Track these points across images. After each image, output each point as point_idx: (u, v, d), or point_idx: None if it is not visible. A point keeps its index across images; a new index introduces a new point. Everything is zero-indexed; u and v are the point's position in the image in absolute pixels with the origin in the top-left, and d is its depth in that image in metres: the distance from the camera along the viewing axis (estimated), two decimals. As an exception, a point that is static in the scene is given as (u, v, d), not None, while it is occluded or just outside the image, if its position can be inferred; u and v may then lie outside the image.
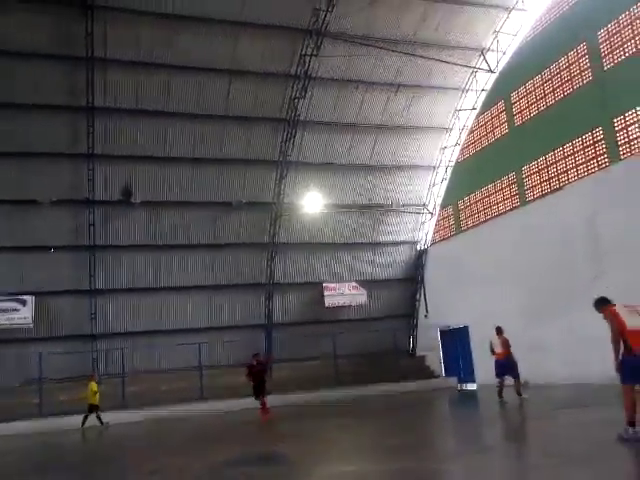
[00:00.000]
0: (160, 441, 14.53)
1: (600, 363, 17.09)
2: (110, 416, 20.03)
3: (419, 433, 12.10)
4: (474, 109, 25.89)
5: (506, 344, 15.96)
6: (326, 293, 27.56)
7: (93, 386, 19.52)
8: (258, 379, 17.22)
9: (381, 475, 7.45)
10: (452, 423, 14.93)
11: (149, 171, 24.29)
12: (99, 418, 19.47)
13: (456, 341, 26.23)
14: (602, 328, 14.99)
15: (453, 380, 26.18)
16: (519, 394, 15.37)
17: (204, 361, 24.49)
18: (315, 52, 22.71)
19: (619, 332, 7.83)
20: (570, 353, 18.72)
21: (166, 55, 22.24)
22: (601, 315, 8.35)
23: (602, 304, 8.39)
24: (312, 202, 26.02)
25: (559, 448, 8.21)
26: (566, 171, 20.87)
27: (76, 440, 16.90)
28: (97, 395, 19.47)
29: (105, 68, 21.93)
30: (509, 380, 16.05)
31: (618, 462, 6.94)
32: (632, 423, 7.55)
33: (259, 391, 17.26)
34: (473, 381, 24.77)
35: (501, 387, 15.86)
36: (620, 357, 7.76)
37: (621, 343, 7.80)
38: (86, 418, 19.35)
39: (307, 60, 23.01)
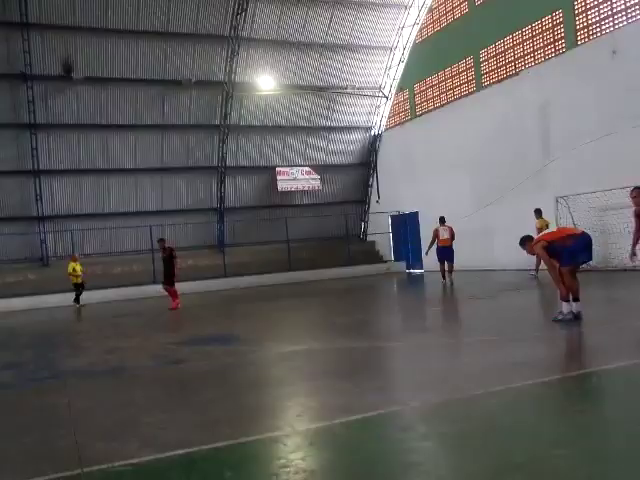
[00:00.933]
0: (112, 323, 14.68)
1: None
2: (61, 298, 20.04)
3: (367, 313, 12.54)
4: (435, -14, 24.76)
5: (451, 232, 17.13)
6: (279, 177, 27.31)
7: (73, 266, 19.19)
8: (165, 265, 16.06)
9: (328, 352, 7.71)
10: (399, 304, 15.54)
11: (90, 44, 22.76)
12: (77, 298, 19.35)
13: (406, 227, 26.73)
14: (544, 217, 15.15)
15: (402, 265, 26.97)
16: (450, 277, 16.87)
17: (156, 244, 24.35)
18: None
19: (547, 256, 8.00)
20: (514, 240, 19.34)
21: None
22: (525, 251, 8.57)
23: (526, 241, 8.57)
24: (265, 82, 25.05)
25: (494, 326, 8.64)
26: (523, 56, 20.51)
27: (29, 321, 16.92)
28: (79, 274, 19.21)
29: None
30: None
31: (551, 338, 7.35)
32: (566, 299, 7.91)
33: (166, 278, 16.03)
34: (421, 267, 25.51)
35: (444, 270, 16.99)
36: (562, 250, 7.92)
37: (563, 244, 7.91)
38: (77, 297, 19.25)
39: None
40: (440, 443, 3.92)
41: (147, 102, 24.28)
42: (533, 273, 15.90)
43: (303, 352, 7.78)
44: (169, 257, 15.81)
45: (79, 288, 19.42)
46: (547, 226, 16.19)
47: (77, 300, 19.33)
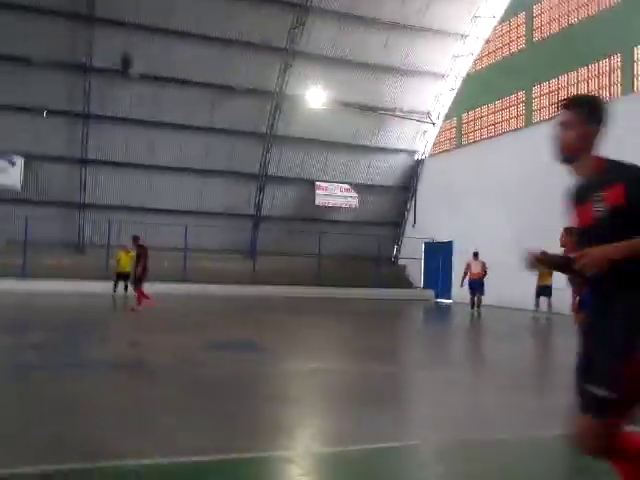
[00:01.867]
0: (131, 319, 14.85)
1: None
2: (93, 285, 20.37)
3: (394, 339, 12.45)
4: (493, 17, 24.69)
5: (483, 266, 18.13)
6: (318, 192, 27.44)
7: (120, 255, 18.62)
8: (136, 264, 15.41)
9: (351, 374, 7.67)
10: (426, 333, 15.38)
11: (151, 43, 23.28)
12: (116, 285, 18.58)
13: (439, 255, 26.51)
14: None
15: (430, 292, 26.73)
16: (478, 307, 17.95)
17: (190, 244, 24.71)
18: None
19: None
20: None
21: None
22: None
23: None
24: (316, 96, 25.27)
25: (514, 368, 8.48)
26: (577, 97, 20.24)
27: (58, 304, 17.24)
28: (126, 264, 18.15)
29: None
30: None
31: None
32: None
33: (134, 277, 15.46)
34: (449, 296, 25.25)
35: (473, 301, 17.97)
36: None
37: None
38: (125, 288, 18.15)
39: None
40: (454, 484, 3.86)
41: (197, 104, 24.69)
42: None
43: (326, 371, 7.74)
44: (137, 256, 15.28)
45: (120, 278, 18.47)
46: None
47: (116, 289, 18.53)
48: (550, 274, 14.58)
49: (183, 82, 24.07)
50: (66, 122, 23.66)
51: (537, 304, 16.49)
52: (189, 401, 5.77)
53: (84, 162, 23.88)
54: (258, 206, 26.78)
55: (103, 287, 19.59)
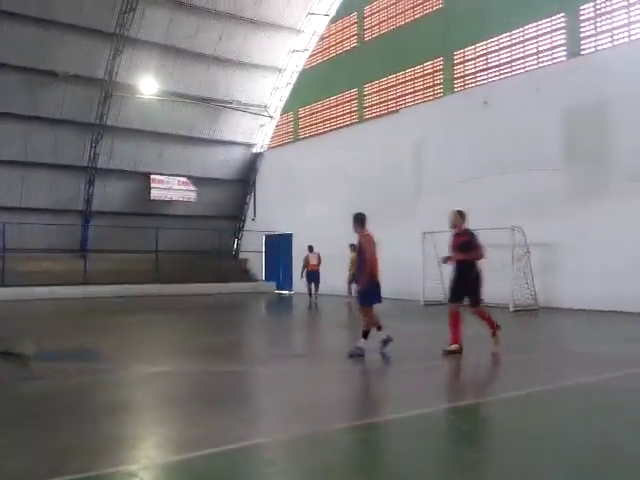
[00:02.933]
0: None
1: (405, 281, 18.61)
2: None
3: (236, 334, 12.32)
4: (327, 15, 25.36)
5: (319, 259, 19.81)
6: (153, 185, 26.40)
7: None
8: None
9: (195, 375, 7.43)
10: (268, 325, 15.46)
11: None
12: None
13: (279, 247, 26.84)
14: (411, 251, 15.93)
15: (271, 284, 26.98)
16: (316, 296, 19.68)
17: (10, 243, 22.53)
18: None
19: (372, 259, 8.39)
20: (383, 268, 20.05)
21: None
22: (359, 234, 8.58)
23: (362, 224, 8.58)
24: (148, 85, 24.19)
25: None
26: (404, 95, 21.52)
27: None
28: None
29: None
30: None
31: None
32: (365, 334, 8.42)
33: None
34: (290, 287, 25.69)
35: (310, 290, 19.82)
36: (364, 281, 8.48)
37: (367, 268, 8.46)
38: None
39: None
40: (303, 478, 3.86)
41: (15, 89, 22.50)
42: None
43: (167, 374, 7.43)
44: None
45: None
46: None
47: None
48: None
49: (-3, 64, 21.80)
50: None
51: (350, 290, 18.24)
52: (14, 421, 5.19)
53: None
54: (88, 201, 25.13)
55: None
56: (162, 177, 26.68)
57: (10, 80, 22.29)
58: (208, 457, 4.13)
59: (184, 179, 27.25)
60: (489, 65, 18.58)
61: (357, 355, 8.15)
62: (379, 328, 8.59)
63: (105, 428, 4.89)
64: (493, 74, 18.45)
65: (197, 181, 27.53)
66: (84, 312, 17.01)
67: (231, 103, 26.86)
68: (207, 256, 27.28)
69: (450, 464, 4.18)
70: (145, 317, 15.64)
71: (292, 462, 4.19)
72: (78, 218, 25.22)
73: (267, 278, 27.85)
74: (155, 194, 26.46)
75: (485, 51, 18.67)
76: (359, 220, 8.60)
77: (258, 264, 28.35)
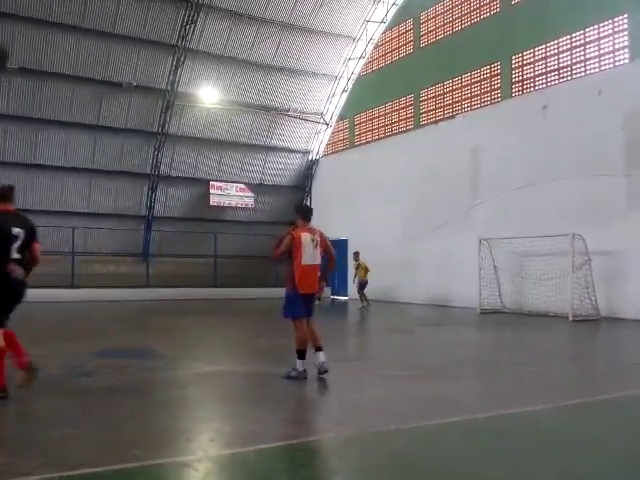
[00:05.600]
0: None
1: (460, 288, 18.42)
2: None
3: (285, 337, 12.49)
4: (383, 22, 25.45)
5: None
6: (212, 192, 27.06)
7: None
8: None
9: (248, 375, 7.64)
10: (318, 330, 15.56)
11: (29, 34, 21.92)
12: None
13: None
14: (467, 257, 15.86)
15: (327, 290, 27.07)
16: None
17: (78, 247, 23.56)
18: None
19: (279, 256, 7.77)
20: (437, 274, 19.94)
21: None
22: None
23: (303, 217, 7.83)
24: (208, 95, 24.88)
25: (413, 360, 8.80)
26: (461, 101, 21.35)
27: None
28: None
29: None
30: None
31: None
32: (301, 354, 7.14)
33: None
34: (345, 294, 25.72)
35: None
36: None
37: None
38: None
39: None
40: (349, 478, 3.95)
41: (83, 100, 23.57)
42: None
43: (222, 373, 7.67)
44: None
45: None
46: (367, 267, 19.59)
47: None
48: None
49: (66, 76, 22.86)
50: None
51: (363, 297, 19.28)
52: (80, 413, 5.51)
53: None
54: (151, 207, 26.00)
55: None
56: (221, 184, 27.33)
57: (79, 92, 23.37)
58: (259, 452, 4.28)
59: (242, 185, 27.81)
60: (548, 69, 18.23)
61: (292, 378, 6.92)
62: (317, 349, 7.16)
63: (162, 422, 5.13)
64: (552, 78, 18.09)
65: (255, 187, 28.04)
66: (145, 313, 17.61)
67: (288, 111, 27.27)
68: (265, 261, 27.67)
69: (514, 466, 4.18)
70: (202, 319, 16.06)
71: (342, 460, 4.29)
72: (141, 223, 26.11)
73: (323, 284, 27.89)
74: (214, 200, 27.11)
75: (544, 55, 18.34)
76: (299, 212, 7.99)
77: (314, 269, 28.49)
